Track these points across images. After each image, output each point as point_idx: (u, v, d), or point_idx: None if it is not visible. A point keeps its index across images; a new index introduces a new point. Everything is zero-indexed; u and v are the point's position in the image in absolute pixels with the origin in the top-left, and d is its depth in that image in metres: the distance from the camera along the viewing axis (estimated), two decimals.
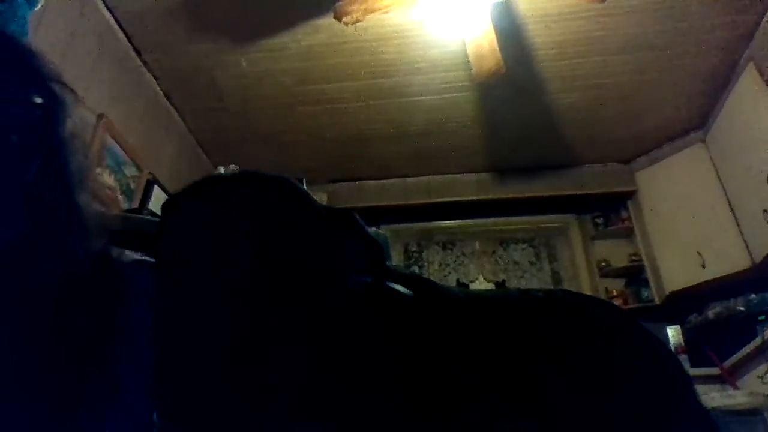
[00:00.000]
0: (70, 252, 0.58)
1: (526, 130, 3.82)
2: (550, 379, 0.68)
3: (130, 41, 2.94)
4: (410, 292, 0.69)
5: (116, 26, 2.82)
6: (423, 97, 3.45)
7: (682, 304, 3.71)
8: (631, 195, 4.23)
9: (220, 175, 0.84)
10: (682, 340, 3.60)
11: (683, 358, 3.54)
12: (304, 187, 2.10)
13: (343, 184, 4.38)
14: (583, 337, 0.75)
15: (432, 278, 4.53)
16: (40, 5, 2.14)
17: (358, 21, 2.47)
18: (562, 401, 0.67)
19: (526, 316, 0.77)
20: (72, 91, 0.62)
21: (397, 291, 0.69)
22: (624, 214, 4.29)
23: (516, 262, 4.78)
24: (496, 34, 2.55)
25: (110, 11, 2.74)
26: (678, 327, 3.66)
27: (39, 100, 0.57)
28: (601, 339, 0.76)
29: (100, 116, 2.62)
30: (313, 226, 0.65)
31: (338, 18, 2.46)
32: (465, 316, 0.74)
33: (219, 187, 0.68)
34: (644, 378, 0.73)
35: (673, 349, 3.60)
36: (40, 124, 0.57)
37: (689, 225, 3.71)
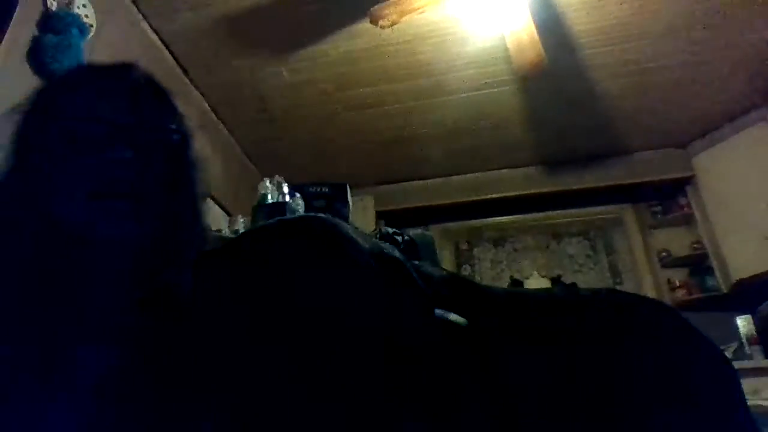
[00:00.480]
0: (186, 257, 0.69)
1: (572, 121, 3.73)
2: (591, 378, 0.69)
3: (176, 60, 3.05)
4: (464, 321, 0.70)
5: (162, 46, 2.92)
6: (464, 94, 3.41)
7: (751, 292, 3.52)
8: (689, 180, 4.06)
9: (259, 229, 0.88)
10: (753, 330, 3.42)
11: (756, 348, 3.36)
12: (348, 193, 2.09)
13: (389, 186, 4.39)
14: (626, 336, 0.75)
15: (485, 276, 4.46)
16: (91, 34, 2.26)
17: (394, 23, 2.47)
18: (602, 400, 0.67)
19: (568, 314, 0.77)
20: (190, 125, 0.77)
21: (449, 321, 0.70)
22: (683, 201, 4.12)
23: (571, 256, 4.67)
24: (535, 25, 2.50)
25: (156, 32, 2.84)
26: (748, 316, 3.48)
27: (176, 128, 0.74)
28: (645, 338, 0.76)
29: None
30: (347, 282, 0.69)
31: (374, 22, 2.47)
32: (505, 315, 0.75)
33: (254, 246, 0.73)
34: (689, 378, 0.72)
35: (744, 340, 3.42)
36: (177, 147, 0.73)
37: (755, 208, 3.52)
